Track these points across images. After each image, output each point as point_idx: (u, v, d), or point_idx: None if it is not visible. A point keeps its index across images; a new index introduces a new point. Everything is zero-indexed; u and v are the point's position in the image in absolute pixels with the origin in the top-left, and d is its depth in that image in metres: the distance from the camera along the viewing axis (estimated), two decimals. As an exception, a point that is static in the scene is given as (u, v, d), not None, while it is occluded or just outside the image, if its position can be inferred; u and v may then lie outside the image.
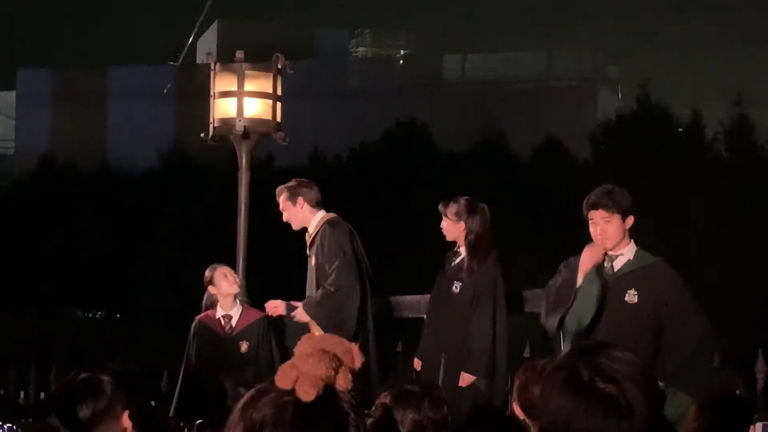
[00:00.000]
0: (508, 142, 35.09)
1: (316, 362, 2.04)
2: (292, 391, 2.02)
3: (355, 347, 2.11)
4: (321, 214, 7.75)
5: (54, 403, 3.44)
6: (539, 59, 48.06)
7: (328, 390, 2.04)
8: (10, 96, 53.03)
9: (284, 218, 7.78)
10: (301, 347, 2.10)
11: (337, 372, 2.06)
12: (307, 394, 2.01)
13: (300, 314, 7.60)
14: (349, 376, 2.07)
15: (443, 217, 7.37)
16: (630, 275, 6.02)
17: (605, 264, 6.07)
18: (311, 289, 7.69)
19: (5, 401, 10.52)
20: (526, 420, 4.30)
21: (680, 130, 30.96)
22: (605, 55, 50.72)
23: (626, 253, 6.06)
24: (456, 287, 7.31)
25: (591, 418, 2.29)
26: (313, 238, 7.71)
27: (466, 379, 7.20)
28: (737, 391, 7.59)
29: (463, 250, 7.35)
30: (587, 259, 5.97)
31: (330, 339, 2.12)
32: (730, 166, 28.12)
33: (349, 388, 2.06)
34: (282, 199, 7.77)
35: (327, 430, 2.02)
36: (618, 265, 6.06)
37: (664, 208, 25.95)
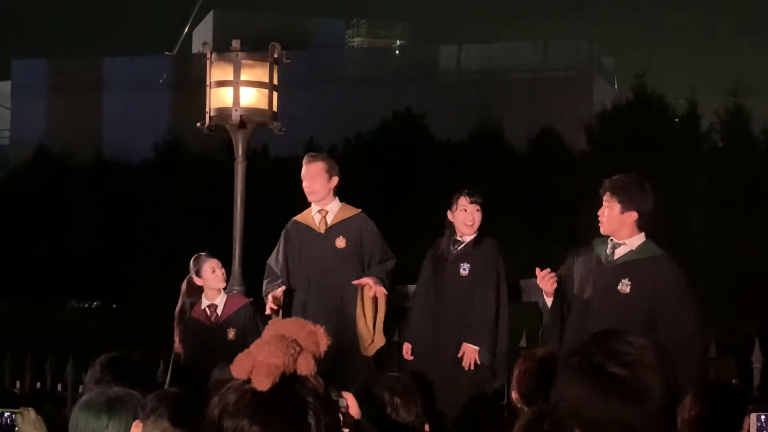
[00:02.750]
0: (503, 132, 35.05)
1: (272, 350, 2.00)
2: (250, 381, 2.00)
3: (320, 330, 2.06)
4: (338, 202, 7.69)
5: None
6: (535, 49, 48.00)
7: (287, 378, 2.00)
8: (5, 86, 52.93)
9: (307, 185, 7.57)
10: (264, 333, 2.07)
11: (296, 359, 2.02)
12: (261, 383, 1.98)
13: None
14: (311, 361, 2.02)
15: (478, 207, 7.41)
16: (627, 265, 6.02)
17: (608, 251, 6.09)
18: (331, 267, 7.56)
19: (1, 391, 10.52)
20: (525, 409, 4.32)
21: (676, 120, 30.94)
22: (601, 45, 50.70)
23: (629, 244, 6.06)
24: (464, 269, 7.32)
25: (605, 402, 2.29)
26: (339, 223, 7.61)
27: (469, 350, 7.15)
28: (733, 380, 7.62)
29: (466, 238, 7.40)
30: (541, 286, 6.19)
31: (292, 324, 2.07)
32: (726, 156, 28.11)
33: (313, 373, 2.02)
34: (320, 167, 7.59)
35: (284, 419, 1.98)
36: (618, 254, 6.07)
37: (660, 197, 25.91)
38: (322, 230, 7.61)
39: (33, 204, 33.51)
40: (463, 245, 7.43)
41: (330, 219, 7.62)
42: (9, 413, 3.78)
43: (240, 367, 2.01)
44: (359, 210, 7.71)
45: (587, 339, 2.45)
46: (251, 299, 7.90)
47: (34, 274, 32.06)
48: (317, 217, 7.65)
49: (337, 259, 7.56)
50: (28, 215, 33.24)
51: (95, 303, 35.40)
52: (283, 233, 7.74)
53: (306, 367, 2.00)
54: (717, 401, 4.21)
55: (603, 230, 6.09)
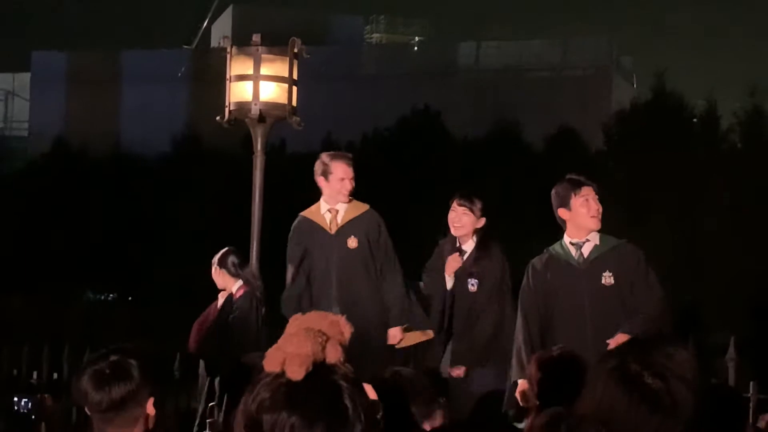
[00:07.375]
0: (521, 130, 35.01)
1: (301, 341, 2.06)
2: (284, 373, 2.05)
3: (342, 319, 2.12)
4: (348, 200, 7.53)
5: (79, 384, 3.44)
6: (554, 47, 47.88)
7: (318, 366, 2.06)
8: (25, 78, 53.10)
9: (352, 186, 7.43)
10: (287, 328, 2.13)
11: (324, 347, 2.07)
12: (295, 373, 2.04)
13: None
14: (339, 348, 2.09)
15: (465, 210, 7.34)
16: (601, 258, 6.16)
17: (573, 252, 6.15)
18: (346, 270, 7.46)
19: (18, 381, 10.60)
20: (535, 405, 4.35)
21: (695, 120, 30.85)
22: (620, 44, 50.55)
23: (592, 239, 6.22)
24: (472, 285, 7.30)
25: (634, 410, 2.31)
26: (349, 222, 7.47)
27: (456, 371, 7.25)
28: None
29: (468, 247, 7.36)
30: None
31: (314, 316, 2.14)
32: (744, 157, 28.02)
33: (342, 360, 2.07)
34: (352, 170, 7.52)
35: (321, 405, 2.04)
36: (587, 250, 6.20)
37: (677, 197, 25.88)
38: (333, 231, 7.43)
39: (50, 196, 33.63)
40: (466, 257, 7.37)
41: (340, 219, 7.46)
42: (26, 400, 3.84)
43: (272, 361, 2.07)
44: (367, 207, 7.57)
45: (625, 343, 2.45)
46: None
47: (51, 266, 32.18)
48: (327, 216, 7.44)
49: (352, 260, 7.41)
50: (45, 207, 33.36)
51: (111, 295, 35.52)
52: (295, 233, 7.50)
53: (334, 354, 2.07)
54: (715, 404, 4.21)
55: (599, 226, 6.22)
